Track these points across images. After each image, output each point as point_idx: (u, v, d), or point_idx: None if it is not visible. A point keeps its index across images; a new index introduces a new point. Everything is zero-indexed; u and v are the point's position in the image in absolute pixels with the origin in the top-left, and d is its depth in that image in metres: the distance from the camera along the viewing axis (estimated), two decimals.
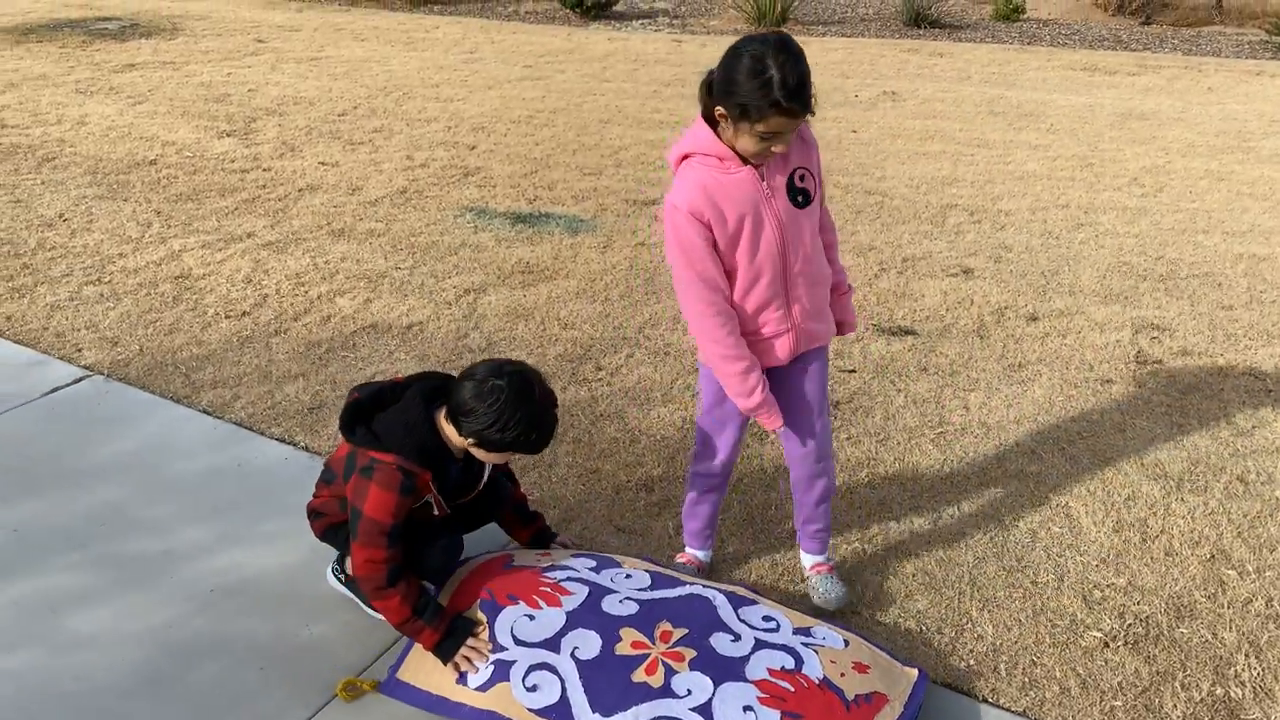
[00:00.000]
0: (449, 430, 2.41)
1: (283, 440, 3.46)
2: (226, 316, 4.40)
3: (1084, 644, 2.65)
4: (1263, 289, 5.03)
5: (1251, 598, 2.83)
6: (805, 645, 2.41)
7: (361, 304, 4.59)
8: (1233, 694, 2.49)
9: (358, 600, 2.66)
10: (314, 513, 2.65)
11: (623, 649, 2.34)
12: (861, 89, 9.52)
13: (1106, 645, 2.64)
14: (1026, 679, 2.52)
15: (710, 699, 2.23)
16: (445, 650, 2.37)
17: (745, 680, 2.28)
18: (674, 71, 10.28)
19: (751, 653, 2.36)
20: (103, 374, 3.85)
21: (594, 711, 2.22)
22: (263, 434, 3.50)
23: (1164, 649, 2.64)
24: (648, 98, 9.05)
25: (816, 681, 2.29)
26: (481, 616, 2.45)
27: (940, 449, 3.55)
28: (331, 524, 2.60)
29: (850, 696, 2.27)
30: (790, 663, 2.34)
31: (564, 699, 2.25)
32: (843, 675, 2.33)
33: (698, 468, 2.76)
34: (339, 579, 2.70)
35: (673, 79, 9.87)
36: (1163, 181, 6.73)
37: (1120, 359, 4.24)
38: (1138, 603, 2.80)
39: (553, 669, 2.31)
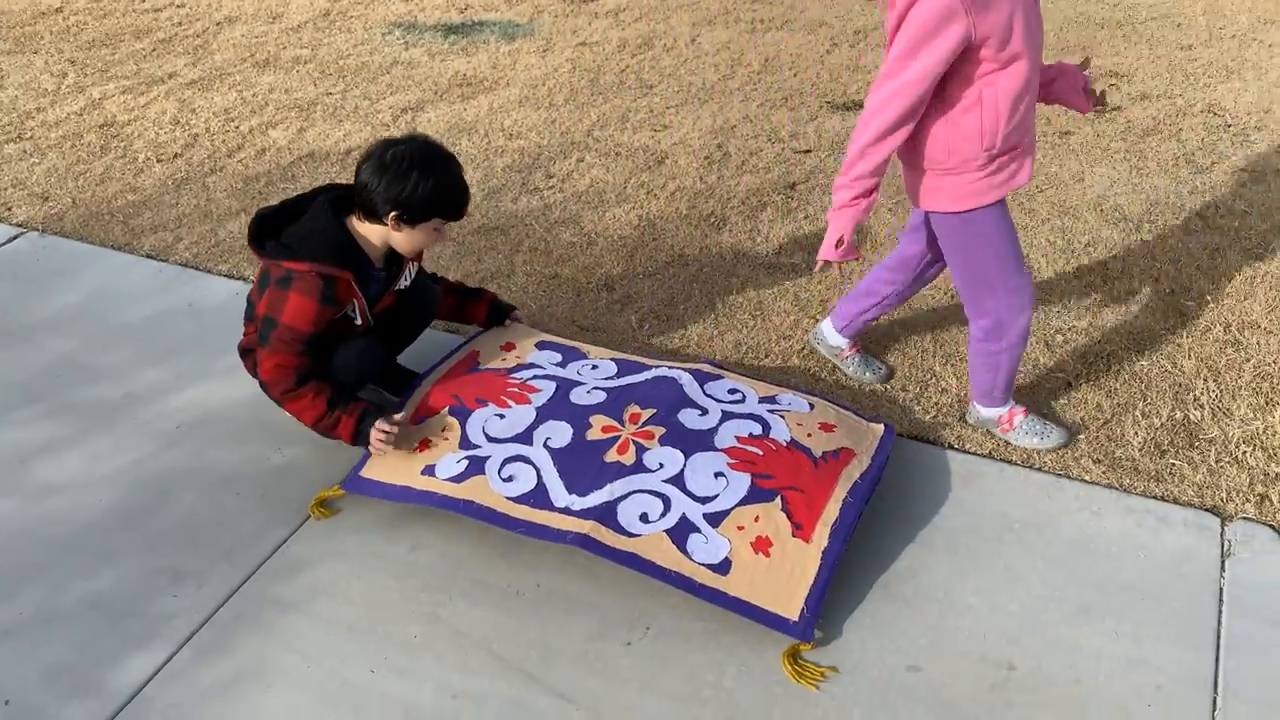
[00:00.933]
0: (364, 229, 2.35)
1: (230, 276, 3.38)
2: (159, 160, 4.22)
3: (1048, 386, 2.68)
4: (1222, 25, 4.89)
5: (1210, 325, 2.86)
6: (771, 412, 2.44)
7: (295, 134, 4.40)
8: (1191, 416, 2.55)
9: None
10: (244, 352, 2.60)
11: (593, 434, 2.36)
12: None
13: (1069, 385, 2.68)
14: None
15: (682, 469, 2.26)
16: (363, 434, 2.37)
17: (715, 449, 2.31)
18: None
19: (720, 424, 2.39)
20: (37, 230, 3.71)
21: (570, 493, 2.25)
22: (209, 272, 3.41)
23: (1124, 381, 2.68)
24: None
25: (784, 443, 2.32)
26: (452, 420, 2.45)
27: (899, 216, 3.50)
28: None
29: (818, 454, 2.31)
30: (758, 429, 2.37)
31: (540, 485, 2.28)
32: (809, 435, 2.36)
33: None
34: None
35: None
36: None
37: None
38: (1099, 342, 2.83)
39: (527, 459, 2.34)
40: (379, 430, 2.36)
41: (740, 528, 2.15)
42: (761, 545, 2.12)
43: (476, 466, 2.34)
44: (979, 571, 2.16)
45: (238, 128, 4.48)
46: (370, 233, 2.34)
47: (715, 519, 2.17)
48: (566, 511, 2.22)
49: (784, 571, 2.08)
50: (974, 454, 2.48)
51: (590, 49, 5.13)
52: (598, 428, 2.39)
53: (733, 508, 2.18)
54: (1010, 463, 2.44)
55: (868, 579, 2.16)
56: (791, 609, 2.03)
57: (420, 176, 2.25)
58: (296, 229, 2.32)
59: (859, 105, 4.31)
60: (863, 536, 2.24)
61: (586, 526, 2.18)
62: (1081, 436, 2.50)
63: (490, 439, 2.40)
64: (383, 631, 2.10)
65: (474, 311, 2.76)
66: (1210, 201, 3.45)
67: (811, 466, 2.28)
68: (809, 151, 3.98)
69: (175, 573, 2.26)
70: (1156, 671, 1.92)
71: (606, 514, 2.20)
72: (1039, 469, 2.42)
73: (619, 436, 2.36)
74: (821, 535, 2.14)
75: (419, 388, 2.58)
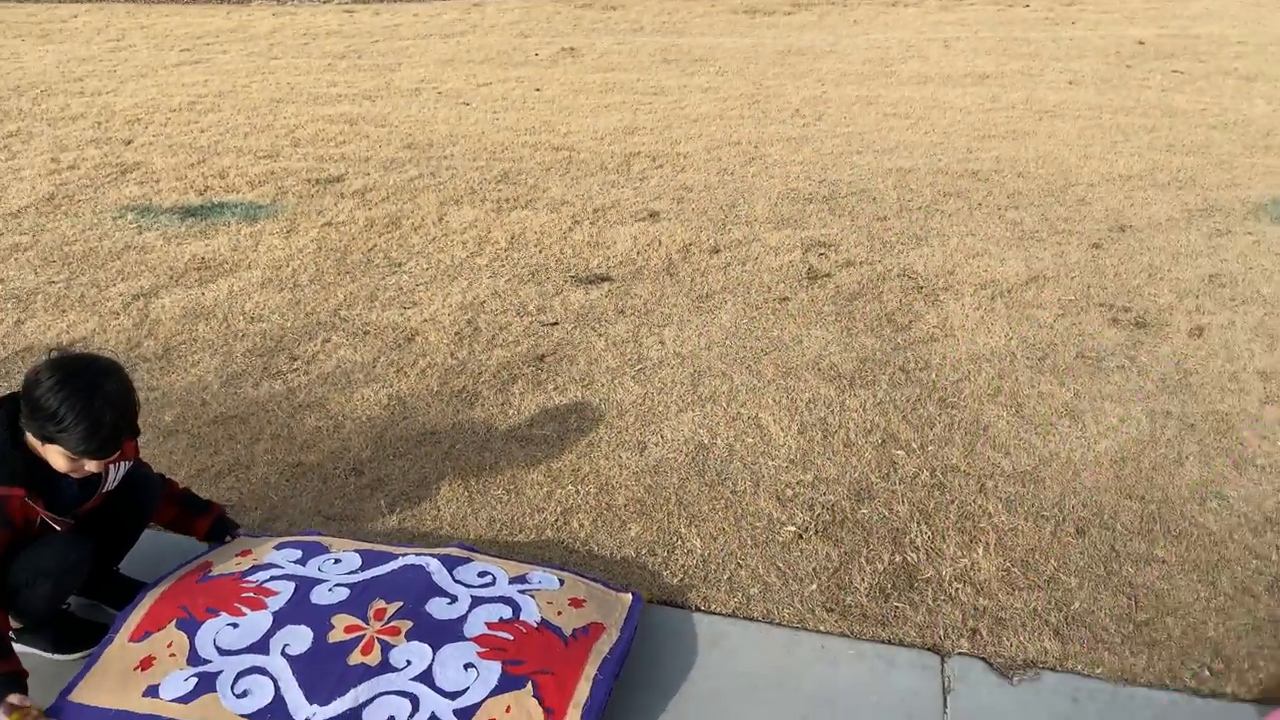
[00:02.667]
0: (38, 446, 2.21)
1: None
2: None
3: (780, 539, 2.86)
4: (909, 197, 5.58)
5: (918, 471, 3.17)
6: (522, 592, 2.45)
7: (12, 326, 4.12)
8: (909, 559, 2.79)
9: (34, 650, 2.42)
10: None
11: (335, 636, 2.28)
12: (541, 47, 9.59)
13: (800, 537, 2.87)
14: (732, 582, 2.70)
15: (430, 665, 2.22)
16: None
17: (464, 639, 2.29)
18: (348, 43, 9.89)
19: (469, 610, 2.37)
20: None
21: (311, 703, 2.15)
22: None
23: (849, 530, 2.90)
24: (322, 72, 8.67)
25: (535, 625, 2.34)
26: (179, 634, 2.30)
27: (641, 384, 3.69)
28: None
29: (568, 632, 2.33)
30: (508, 612, 2.37)
31: (278, 697, 2.16)
32: (559, 614, 2.39)
33: None
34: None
35: (348, 50, 9.50)
36: (821, 110, 7.28)
37: (794, 277, 4.57)
38: (824, 494, 3.06)
39: (263, 670, 2.22)
40: (5, 705, 2.14)
41: (492, 719, 2.12)
42: None
43: (207, 684, 2.20)
44: None
45: None
46: (37, 445, 2.21)
47: (466, 714, 2.14)
48: None
49: None
50: (719, 614, 2.59)
51: (336, 229, 5.17)
52: (340, 628, 2.31)
53: (484, 700, 2.16)
54: (752, 619, 2.56)
55: None
56: None
57: (49, 401, 2.10)
58: None
59: (601, 278, 4.56)
60: (616, 710, 2.26)
61: None
62: (815, 586, 2.67)
63: (222, 651, 2.27)
64: None
65: (195, 526, 2.63)
66: (910, 356, 3.86)
67: (562, 646, 2.29)
68: (556, 324, 4.15)
69: None
70: None
71: None
72: (778, 624, 2.55)
73: (363, 635, 2.29)
74: (574, 717, 2.14)
75: (140, 601, 2.41)
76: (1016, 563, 2.77)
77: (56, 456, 2.18)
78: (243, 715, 2.14)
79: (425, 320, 4.18)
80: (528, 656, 2.25)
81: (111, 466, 2.38)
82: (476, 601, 2.41)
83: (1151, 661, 2.43)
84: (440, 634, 2.30)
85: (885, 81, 8.06)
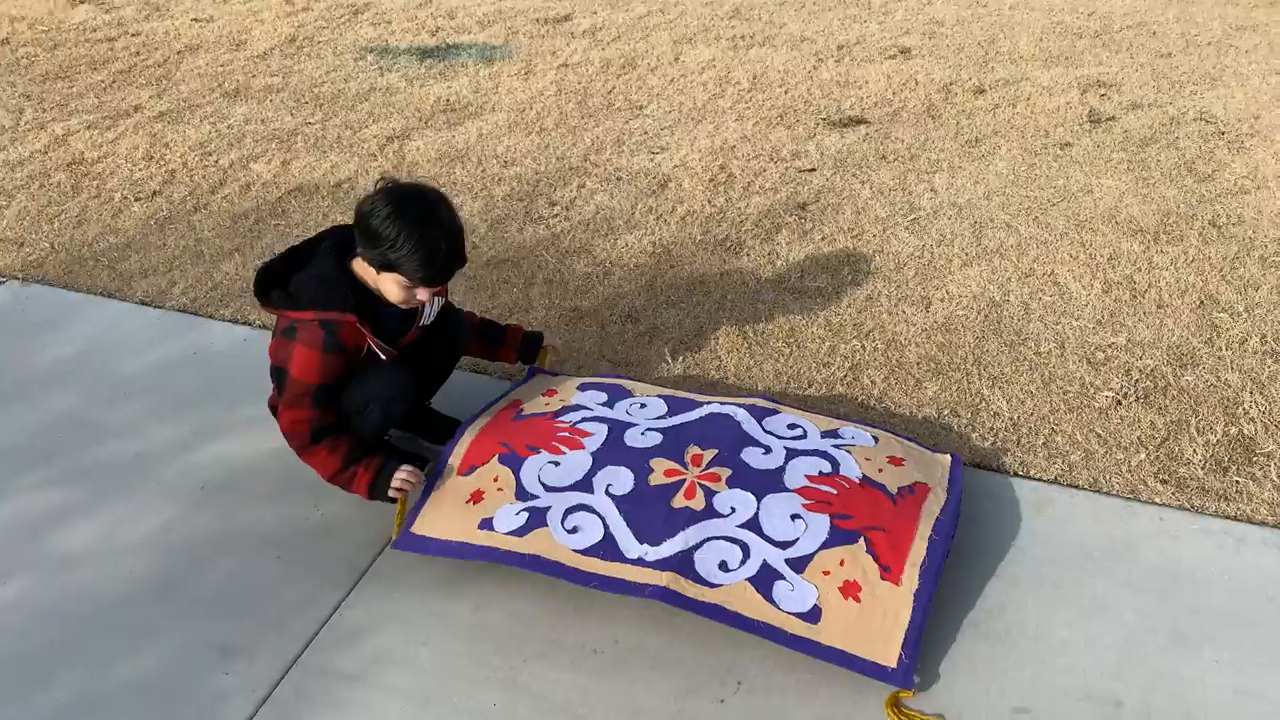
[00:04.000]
0: (370, 275, 2.24)
1: (235, 321, 3.22)
2: (136, 199, 4.03)
3: (1097, 405, 2.66)
4: (1195, 33, 4.97)
5: (1246, 337, 2.87)
6: (837, 447, 2.37)
7: (279, 167, 4.24)
8: (1245, 431, 2.55)
9: None
10: (273, 408, 2.47)
11: (656, 479, 2.27)
12: None
13: (1119, 403, 2.66)
14: (1049, 448, 2.53)
15: (756, 513, 2.18)
16: (379, 487, 2.29)
17: (786, 490, 2.23)
18: None
19: (786, 462, 2.31)
20: (17, 279, 3.51)
21: (642, 543, 2.16)
22: (211, 317, 3.25)
23: (1173, 399, 2.67)
24: None
25: (857, 480, 2.26)
26: (504, 469, 2.34)
27: (916, 235, 3.48)
28: None
29: (894, 490, 2.25)
30: (827, 466, 2.30)
31: (608, 535, 2.18)
32: (880, 471, 2.30)
33: None
34: None
35: None
36: None
37: (1074, 121, 4.17)
38: (1140, 358, 2.82)
39: (590, 509, 2.24)
40: (399, 476, 2.27)
41: (826, 573, 2.07)
42: (850, 590, 2.05)
43: (538, 518, 2.24)
44: (1067, 604, 2.11)
45: (216, 162, 4.30)
46: (373, 277, 2.25)
47: (799, 564, 2.09)
48: (640, 563, 2.12)
49: (876, 617, 2.01)
50: (1039, 479, 2.44)
51: (573, 70, 5.05)
52: (660, 471, 2.29)
53: (815, 551, 2.11)
54: (1078, 487, 2.41)
55: (956, 619, 2.10)
56: (889, 655, 1.96)
57: (388, 230, 2.10)
58: (301, 276, 2.23)
59: (856, 120, 4.29)
60: (946, 575, 2.18)
61: (665, 578, 2.08)
62: (1143, 455, 2.48)
63: (548, 488, 2.30)
64: (459, 702, 1.98)
65: (502, 354, 2.69)
66: (1219, 210, 3.48)
67: (890, 504, 2.21)
68: (813, 170, 3.94)
69: (224, 647, 2.12)
70: (1262, 699, 1.89)
71: (684, 564, 2.11)
72: (1107, 493, 2.39)
73: (684, 480, 2.27)
74: (911, 577, 2.07)
75: (461, 436, 2.46)
76: None
77: (390, 285, 2.21)
78: (576, 550, 2.17)
79: (676, 166, 4.05)
80: (855, 512, 2.18)
81: (430, 300, 2.39)
82: (792, 454, 2.34)
83: None
84: (761, 483, 2.25)
85: None
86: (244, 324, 3.20)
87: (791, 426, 2.44)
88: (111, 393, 2.90)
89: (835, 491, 2.22)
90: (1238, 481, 2.39)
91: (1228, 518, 2.30)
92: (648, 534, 2.16)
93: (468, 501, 2.30)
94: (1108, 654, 2.00)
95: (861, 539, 2.12)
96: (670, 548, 2.14)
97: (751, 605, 2.04)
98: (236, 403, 2.83)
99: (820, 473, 2.28)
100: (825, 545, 2.11)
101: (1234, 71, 4.52)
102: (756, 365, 2.92)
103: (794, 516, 2.17)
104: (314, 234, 2.37)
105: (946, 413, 2.68)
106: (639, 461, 2.32)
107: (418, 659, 2.08)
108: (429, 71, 5.13)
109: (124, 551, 2.37)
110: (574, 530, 2.20)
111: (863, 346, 2.95)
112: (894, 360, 2.89)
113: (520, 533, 2.21)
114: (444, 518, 2.29)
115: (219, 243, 3.68)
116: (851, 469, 2.29)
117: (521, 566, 2.16)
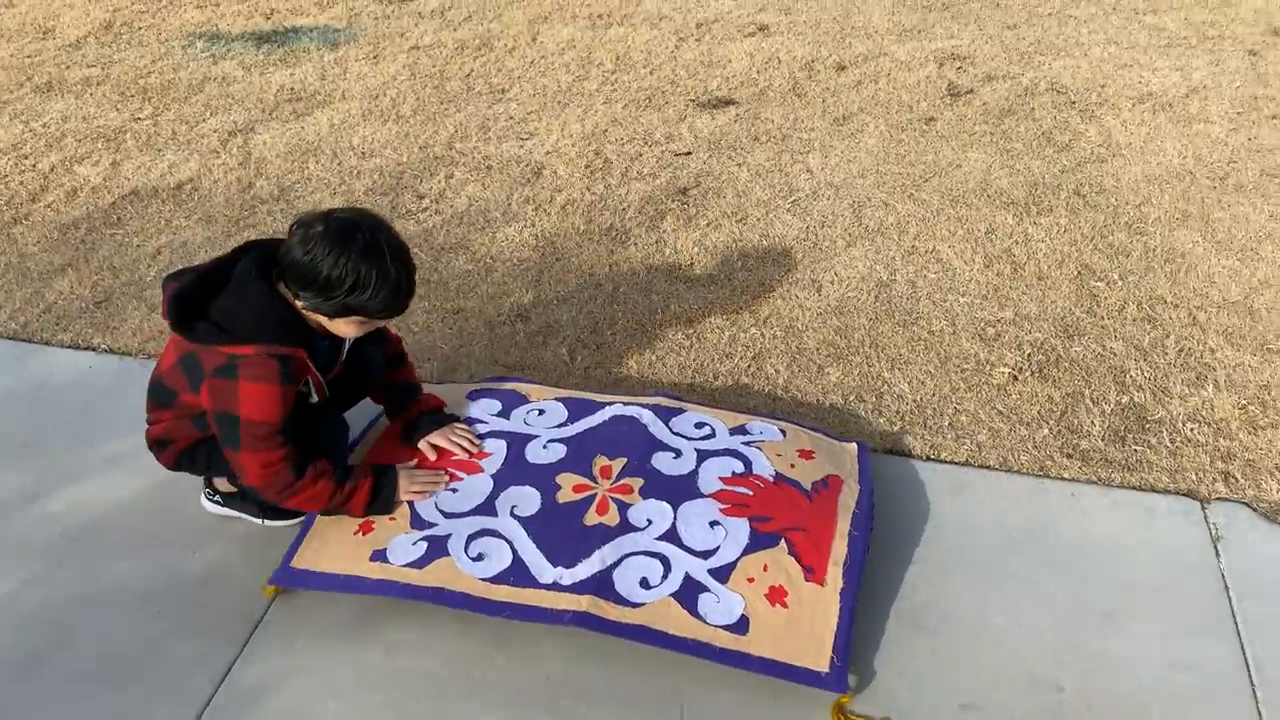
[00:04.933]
0: (315, 316, 1.99)
1: (77, 346, 2.89)
2: None
3: (994, 382, 2.69)
4: (1036, 3, 5.15)
5: (1124, 304, 2.96)
6: (747, 444, 2.30)
7: (109, 169, 3.86)
8: (1136, 399, 2.62)
9: (245, 515, 2.30)
10: (157, 443, 2.19)
11: (565, 496, 2.15)
12: None
13: (1015, 378, 2.70)
14: (955, 428, 2.54)
15: (674, 523, 2.10)
16: (384, 501, 2.11)
17: (702, 495, 2.15)
18: None
19: (698, 465, 2.23)
20: None
21: (555, 565, 2.03)
22: (48, 344, 2.91)
23: (1065, 370, 2.73)
24: None
25: (771, 479, 2.20)
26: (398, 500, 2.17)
27: (798, 217, 3.45)
28: (184, 448, 2.17)
29: (808, 486, 2.20)
30: (739, 466, 2.23)
31: (517, 560, 2.05)
32: (793, 466, 2.25)
33: None
34: (216, 502, 2.32)
35: None
36: None
37: (935, 95, 4.24)
38: (1029, 332, 2.87)
39: (496, 533, 2.09)
40: (418, 479, 2.14)
41: (750, 580, 2.00)
42: (777, 596, 1.99)
43: (438, 547, 2.08)
44: (997, 590, 2.12)
45: (34, 166, 3.88)
46: (314, 315, 2.00)
47: (722, 574, 2.02)
48: (555, 587, 2.00)
49: (805, 622, 1.96)
50: (951, 462, 2.45)
51: (425, 53, 4.80)
52: (568, 488, 2.17)
53: (738, 559, 2.03)
54: (989, 468, 2.43)
55: (890, 613, 2.07)
56: (820, 660, 1.91)
57: (342, 274, 1.87)
58: (226, 304, 1.95)
59: (725, 101, 4.24)
60: (875, 568, 2.15)
61: (584, 602, 1.97)
62: (1046, 430, 2.52)
63: (446, 515, 2.14)
64: None
65: (394, 421, 2.38)
66: (1081, 180, 3.59)
67: (806, 502, 2.16)
68: (689, 153, 3.87)
69: None
70: (1195, 670, 1.94)
71: (603, 584, 2.00)
72: (1018, 471, 2.41)
73: (595, 495, 2.16)
74: (835, 576, 2.02)
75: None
76: (1252, 400, 2.60)
77: (347, 326, 1.99)
78: (484, 579, 2.02)
79: (549, 152, 3.90)
80: (774, 513, 2.12)
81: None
82: (703, 455, 2.26)
83: None
84: (675, 491, 2.16)
85: None
86: (87, 349, 2.88)
87: (699, 425, 2.36)
88: None
89: (751, 493, 2.16)
90: (1136, 450, 2.46)
91: (1134, 488, 2.35)
92: (561, 556, 2.04)
93: (355, 532, 2.13)
94: (1044, 638, 2.01)
95: (782, 541, 2.06)
96: (586, 569, 2.02)
97: (677, 622, 1.95)
98: (90, 441, 2.53)
99: (734, 473, 2.21)
100: (746, 551, 2.04)
101: (1076, 41, 4.69)
102: (659, 360, 2.82)
103: (713, 523, 2.09)
104: (223, 254, 2.06)
105: (852, 398, 2.65)
106: (544, 479, 2.19)
107: (330, 715, 1.90)
108: (268, 58, 4.78)
109: None
110: (479, 557, 2.06)
111: (762, 335, 2.90)
112: (794, 347, 2.85)
113: (419, 564, 2.05)
114: (329, 550, 2.11)
115: (47, 258, 3.30)
116: (764, 467, 2.23)
117: (424, 600, 2.01)
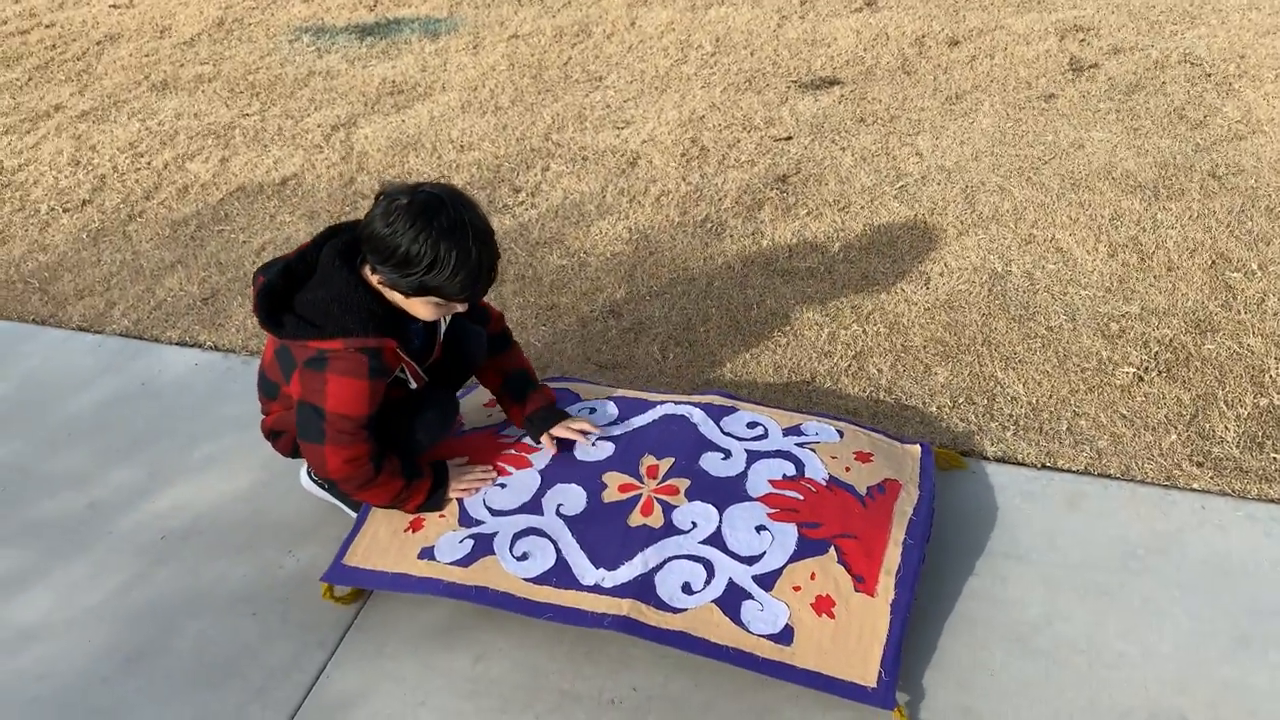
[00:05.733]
0: (396, 295, 1.94)
1: (184, 344, 2.97)
2: (64, 210, 3.72)
3: (1118, 382, 2.51)
4: None
5: (1264, 296, 2.73)
6: (800, 446, 2.20)
7: (218, 165, 3.95)
8: (1276, 402, 2.41)
9: (341, 504, 2.31)
10: (272, 433, 2.24)
11: (610, 495, 2.10)
12: None
13: (1141, 379, 2.52)
14: (1074, 434, 2.38)
15: (718, 527, 2.02)
16: (437, 499, 2.11)
17: (750, 498, 2.07)
18: None
19: (747, 467, 2.15)
20: None
21: (598, 567, 1.98)
22: (158, 341, 2.99)
23: (1196, 370, 2.53)
24: None
25: (824, 483, 2.10)
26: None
27: (906, 204, 3.29)
28: (295, 438, 2.19)
29: (863, 490, 2.09)
30: (791, 469, 2.14)
31: (560, 560, 2.01)
32: (848, 470, 2.14)
33: None
34: (316, 482, 2.34)
35: None
36: None
37: (1055, 70, 3.99)
38: (1156, 328, 2.67)
39: (540, 532, 2.06)
40: (466, 479, 2.14)
41: (796, 588, 1.92)
42: (823, 606, 1.89)
43: (483, 546, 2.05)
44: (1116, 610, 1.97)
45: (149, 163, 4.00)
46: (394, 294, 1.96)
47: (767, 581, 1.93)
48: (597, 589, 1.95)
49: (852, 634, 1.86)
50: (1069, 470, 2.29)
51: (524, 41, 4.77)
52: (614, 487, 2.12)
53: (784, 566, 1.95)
54: (1110, 476, 2.26)
55: (1000, 634, 1.94)
56: (867, 675, 1.81)
57: (421, 251, 1.81)
58: (311, 296, 1.93)
59: (829, 82, 4.08)
60: (981, 584, 2.02)
61: (624, 606, 1.91)
62: (1174, 436, 2.34)
63: (494, 512, 2.11)
64: None
65: (511, 412, 2.29)
66: (1217, 159, 3.33)
67: (860, 507, 2.05)
68: (790, 138, 3.74)
69: None
70: None
71: (644, 588, 1.94)
72: (1142, 481, 2.24)
73: (640, 495, 2.10)
74: (887, 586, 1.92)
75: None
76: None
77: (423, 307, 1.94)
78: (527, 579, 1.99)
79: (645, 141, 3.83)
80: (824, 519, 2.02)
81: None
82: (754, 456, 2.17)
83: None
84: (722, 493, 2.09)
85: None
86: (194, 346, 2.95)
87: (751, 425, 2.27)
88: (55, 435, 2.64)
89: (801, 497, 2.06)
90: (1275, 458, 2.26)
91: (1272, 500, 2.16)
92: (603, 557, 1.99)
93: (406, 530, 2.12)
94: (1168, 665, 1.86)
95: (832, 548, 1.97)
96: (628, 571, 1.97)
97: (719, 630, 1.88)
98: (193, 439, 2.59)
99: (784, 476, 2.12)
100: (794, 558, 1.95)
101: (1213, 8, 4.36)
102: (753, 359, 2.73)
103: (759, 528, 2.01)
104: (306, 242, 2.03)
105: (962, 400, 2.51)
106: (591, 477, 2.14)
107: None
108: (371, 50, 4.83)
109: (84, 619, 2.15)
110: (524, 557, 2.02)
111: (864, 331, 2.78)
112: (899, 345, 2.71)
113: (465, 562, 2.04)
114: (379, 548, 2.11)
115: (159, 255, 3.40)
116: (817, 470, 2.13)
117: (467, 599, 2.00)
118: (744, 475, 2.13)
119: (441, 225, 1.81)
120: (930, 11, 4.59)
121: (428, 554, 2.07)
